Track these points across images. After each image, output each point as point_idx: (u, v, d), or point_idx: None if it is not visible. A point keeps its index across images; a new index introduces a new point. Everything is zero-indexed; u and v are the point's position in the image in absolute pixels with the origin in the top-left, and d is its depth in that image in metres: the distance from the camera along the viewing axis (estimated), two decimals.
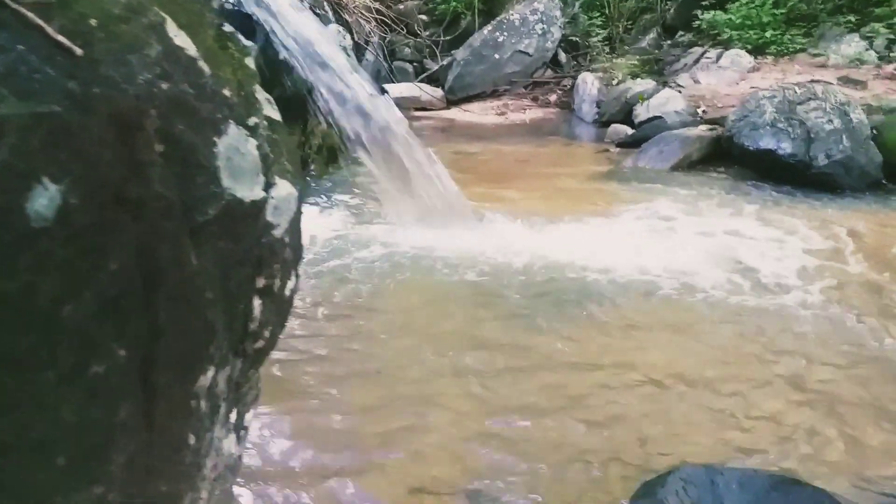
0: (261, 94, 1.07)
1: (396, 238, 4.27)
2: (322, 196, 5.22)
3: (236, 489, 2.02)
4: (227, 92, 0.92)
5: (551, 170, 6.11)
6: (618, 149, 6.93)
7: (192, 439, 0.87)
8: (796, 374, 2.81)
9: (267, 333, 1.05)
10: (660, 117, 7.02)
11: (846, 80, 7.23)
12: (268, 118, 1.04)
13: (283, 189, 0.99)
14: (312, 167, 5.90)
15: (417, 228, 4.36)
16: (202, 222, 0.83)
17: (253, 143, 0.95)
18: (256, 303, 0.99)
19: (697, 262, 3.94)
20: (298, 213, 1.09)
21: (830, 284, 3.70)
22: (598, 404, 2.54)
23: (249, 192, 0.92)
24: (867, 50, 8.18)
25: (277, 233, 0.98)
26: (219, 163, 0.87)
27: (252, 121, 0.98)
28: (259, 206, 0.94)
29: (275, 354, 2.95)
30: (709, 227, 4.55)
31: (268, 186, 0.96)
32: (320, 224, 4.58)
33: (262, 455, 2.22)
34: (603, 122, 8.05)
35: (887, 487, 2.16)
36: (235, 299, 0.93)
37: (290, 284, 1.08)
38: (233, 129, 0.91)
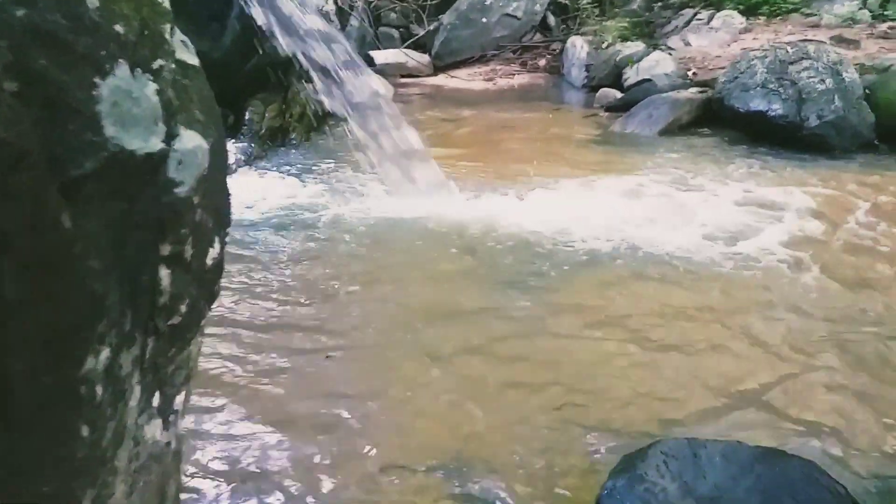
0: (174, 36, 0.94)
1: (373, 207, 4.14)
2: (299, 164, 5.07)
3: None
4: (119, 28, 0.79)
5: (538, 135, 5.96)
6: (606, 113, 6.76)
7: (85, 430, 0.76)
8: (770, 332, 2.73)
9: (183, 308, 0.93)
10: (649, 80, 6.84)
11: (839, 40, 7.05)
12: (179, 62, 0.90)
13: (190, 141, 0.86)
14: (293, 135, 5.74)
15: (394, 197, 4.23)
16: (77, 176, 0.70)
17: (153, 87, 0.81)
18: (164, 273, 0.86)
19: (677, 228, 3.82)
20: (216, 170, 0.96)
21: (816, 251, 3.59)
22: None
23: (143, 143, 0.79)
24: (860, 9, 7.98)
25: (182, 191, 0.85)
26: (100, 108, 0.74)
27: (156, 63, 0.85)
28: (157, 159, 0.81)
29: (227, 329, 2.92)
30: (694, 192, 4.42)
31: (170, 138, 0.83)
32: (293, 191, 4.45)
33: (217, 438, 2.12)
34: (592, 87, 7.86)
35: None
36: (136, 269, 0.80)
37: (212, 253, 0.96)
38: (123, 71, 0.78)
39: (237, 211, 3.57)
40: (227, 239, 1.02)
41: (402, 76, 8.73)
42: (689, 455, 1.77)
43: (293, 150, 5.43)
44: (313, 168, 4.95)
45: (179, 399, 1.06)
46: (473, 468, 1.98)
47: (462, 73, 9.08)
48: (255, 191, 4.38)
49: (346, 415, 2.25)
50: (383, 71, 8.28)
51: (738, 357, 2.62)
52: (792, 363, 2.58)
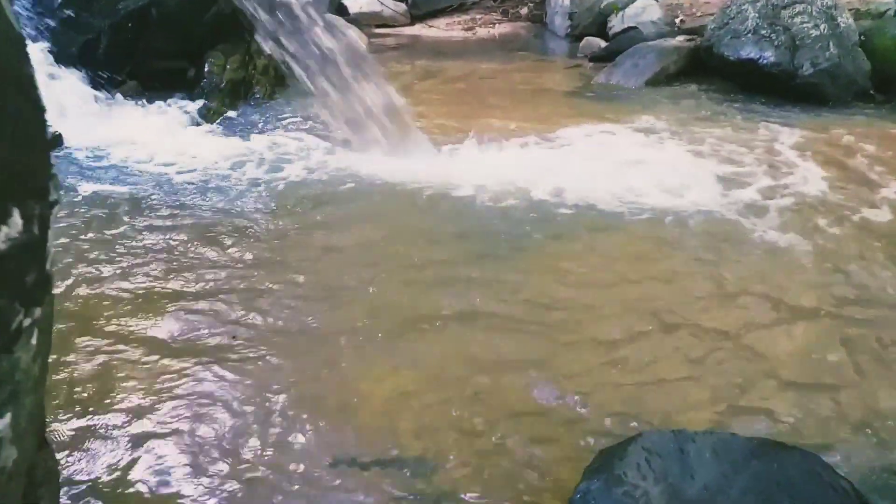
0: None
1: (343, 165, 3.85)
2: (259, 120, 4.74)
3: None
4: None
5: (518, 88, 5.64)
6: (591, 63, 6.43)
7: None
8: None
9: None
10: (635, 28, 6.51)
11: None
12: None
13: None
14: (257, 89, 5.38)
15: (365, 155, 3.93)
16: None
17: None
18: None
19: (657, 185, 3.57)
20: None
21: (799, 211, 3.36)
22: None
23: None
24: None
25: None
26: None
27: None
28: None
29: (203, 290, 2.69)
30: (670, 147, 4.14)
31: None
32: (247, 150, 4.14)
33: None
34: (576, 36, 7.50)
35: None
36: None
37: (5, 231, 0.70)
38: None
39: (177, 172, 3.27)
40: (49, 217, 0.76)
41: (377, 26, 8.32)
42: (675, 451, 1.54)
43: (256, 106, 5.08)
44: (274, 125, 4.63)
45: (3, 422, 0.81)
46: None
47: (440, 22, 8.68)
48: (204, 150, 4.08)
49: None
50: (357, 20, 7.85)
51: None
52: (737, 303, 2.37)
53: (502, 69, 6.24)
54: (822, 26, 5.16)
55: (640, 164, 3.83)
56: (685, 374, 2.15)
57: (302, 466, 1.79)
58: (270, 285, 2.69)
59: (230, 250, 2.97)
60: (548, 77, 5.98)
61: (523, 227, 3.19)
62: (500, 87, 5.65)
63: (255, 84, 5.37)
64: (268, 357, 2.25)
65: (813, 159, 3.99)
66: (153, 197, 3.52)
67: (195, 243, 3.02)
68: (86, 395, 2.07)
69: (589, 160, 3.90)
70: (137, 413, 1.99)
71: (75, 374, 2.16)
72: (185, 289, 2.65)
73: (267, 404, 2.03)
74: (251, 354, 2.27)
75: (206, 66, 5.24)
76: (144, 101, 5.02)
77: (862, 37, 5.30)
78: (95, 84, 5.07)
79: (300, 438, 1.88)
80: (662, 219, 3.25)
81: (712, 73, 5.63)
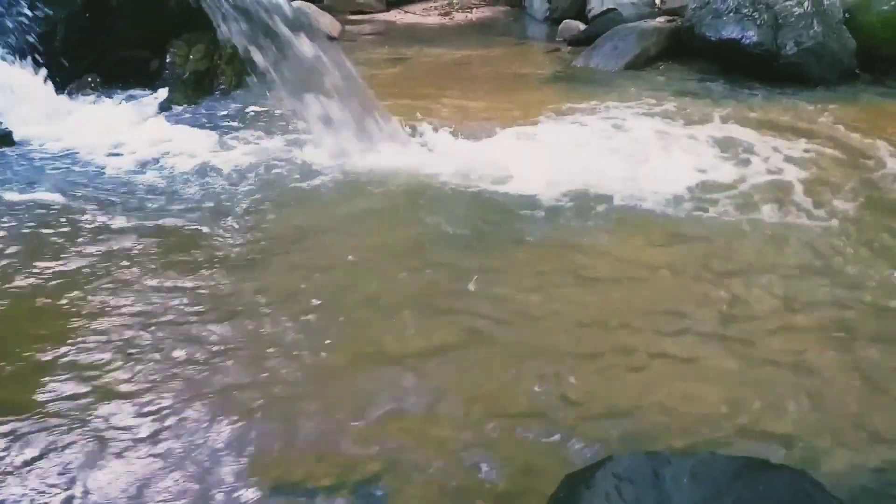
0: None
1: (308, 159, 3.66)
2: (222, 112, 4.53)
3: None
4: None
5: (494, 74, 5.45)
6: (570, 47, 6.25)
7: None
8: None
9: None
10: (614, 9, 6.31)
11: None
12: None
13: None
14: (223, 80, 5.16)
15: (332, 147, 3.74)
16: None
17: None
18: None
19: (619, 175, 3.40)
20: None
21: (787, 200, 3.21)
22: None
23: None
24: None
25: None
26: None
27: None
28: None
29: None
30: (657, 134, 3.96)
31: None
32: (220, 143, 3.94)
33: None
34: (555, 20, 7.30)
35: None
36: None
37: None
38: None
39: (130, 170, 3.06)
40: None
41: (352, 12, 8.08)
42: (650, 475, 1.39)
43: (221, 98, 4.86)
44: (238, 118, 4.42)
45: None
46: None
47: (416, 7, 8.46)
48: (161, 146, 3.87)
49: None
50: (331, 7, 7.64)
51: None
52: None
53: (478, 55, 6.05)
54: (805, 4, 5.01)
55: (611, 152, 3.66)
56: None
57: None
58: (234, 289, 2.51)
59: (178, 259, 2.77)
60: (525, 62, 5.80)
61: (492, 221, 3.02)
62: (474, 74, 5.47)
63: (221, 75, 5.16)
64: (226, 363, 2.08)
65: (792, 145, 3.83)
66: (104, 198, 3.31)
67: (136, 251, 2.82)
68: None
69: (559, 148, 3.72)
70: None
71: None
72: (114, 308, 2.44)
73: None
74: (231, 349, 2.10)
75: (168, 56, 5.03)
76: (103, 94, 4.81)
77: (846, 14, 5.14)
78: (52, 78, 4.85)
79: None
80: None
81: (694, 54, 5.48)
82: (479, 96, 4.74)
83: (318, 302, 2.41)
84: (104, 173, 3.60)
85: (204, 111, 4.59)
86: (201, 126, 4.28)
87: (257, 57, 3.99)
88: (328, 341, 2.20)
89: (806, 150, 3.73)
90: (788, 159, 3.61)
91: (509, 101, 4.62)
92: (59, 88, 4.80)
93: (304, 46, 3.92)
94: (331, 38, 6.63)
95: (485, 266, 2.64)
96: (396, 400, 1.93)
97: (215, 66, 5.13)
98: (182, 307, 2.40)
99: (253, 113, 4.48)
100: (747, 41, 5.04)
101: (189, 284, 2.54)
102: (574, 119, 4.22)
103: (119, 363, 2.10)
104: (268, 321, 2.31)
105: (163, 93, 4.72)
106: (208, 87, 5.00)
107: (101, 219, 3.08)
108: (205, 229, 2.99)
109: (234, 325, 2.30)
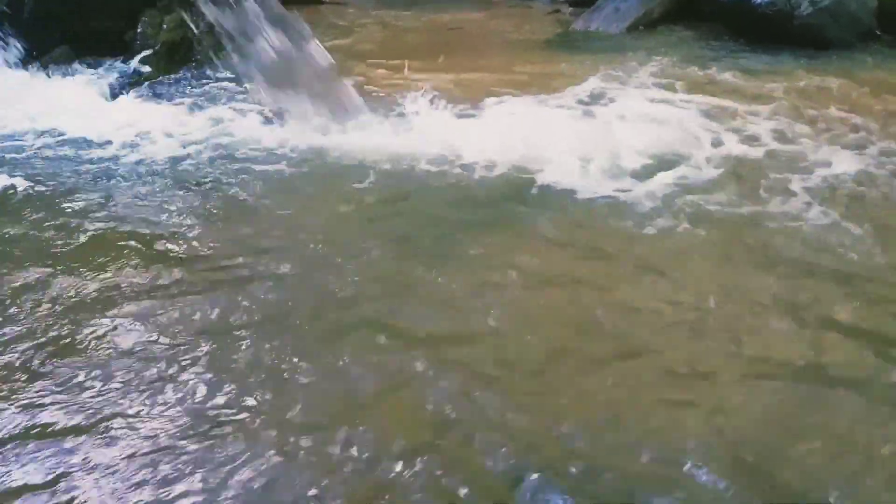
0: None
1: (277, 138, 3.41)
2: (195, 86, 4.27)
3: None
4: None
5: (483, 40, 5.13)
6: (571, 8, 5.90)
7: None
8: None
9: None
10: None
11: None
12: None
13: None
14: (198, 51, 4.88)
15: (302, 127, 3.48)
16: None
17: None
18: None
19: (625, 157, 3.11)
20: None
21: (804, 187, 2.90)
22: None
23: None
24: None
25: None
26: None
27: None
28: None
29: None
30: (657, 108, 3.62)
31: None
32: (186, 121, 3.70)
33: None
34: None
35: None
36: None
37: None
38: None
39: (88, 149, 2.77)
40: None
41: None
42: None
43: (195, 70, 4.59)
44: (210, 93, 4.15)
45: None
46: None
47: None
48: (125, 123, 3.62)
49: None
50: None
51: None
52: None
53: (472, 18, 5.73)
54: None
55: (598, 129, 3.37)
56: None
57: None
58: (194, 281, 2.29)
59: (127, 250, 2.55)
60: (520, 26, 5.45)
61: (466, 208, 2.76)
62: (466, 40, 5.15)
63: (197, 45, 4.88)
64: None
65: (802, 116, 3.51)
66: (60, 180, 3.08)
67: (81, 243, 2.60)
68: None
69: (544, 124, 3.44)
70: None
71: None
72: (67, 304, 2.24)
73: None
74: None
75: (140, 26, 4.75)
76: (73, 68, 4.57)
77: None
78: (19, 52, 4.62)
79: None
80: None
81: (702, 16, 5.12)
82: (462, 66, 4.41)
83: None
84: (59, 153, 3.38)
85: (173, 85, 4.32)
86: (166, 101, 4.03)
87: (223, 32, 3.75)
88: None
89: (813, 127, 3.40)
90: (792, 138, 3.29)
91: (497, 68, 4.31)
92: (28, 63, 4.58)
93: (263, 21, 3.65)
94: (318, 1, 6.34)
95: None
96: None
97: (190, 37, 4.85)
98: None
99: (224, 88, 4.20)
100: (759, 0, 4.68)
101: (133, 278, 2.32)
102: (556, 94, 3.86)
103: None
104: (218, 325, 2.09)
105: (129, 65, 4.45)
106: (182, 59, 4.73)
107: (50, 200, 2.87)
108: (161, 212, 2.77)
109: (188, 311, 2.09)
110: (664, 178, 2.88)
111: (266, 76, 3.74)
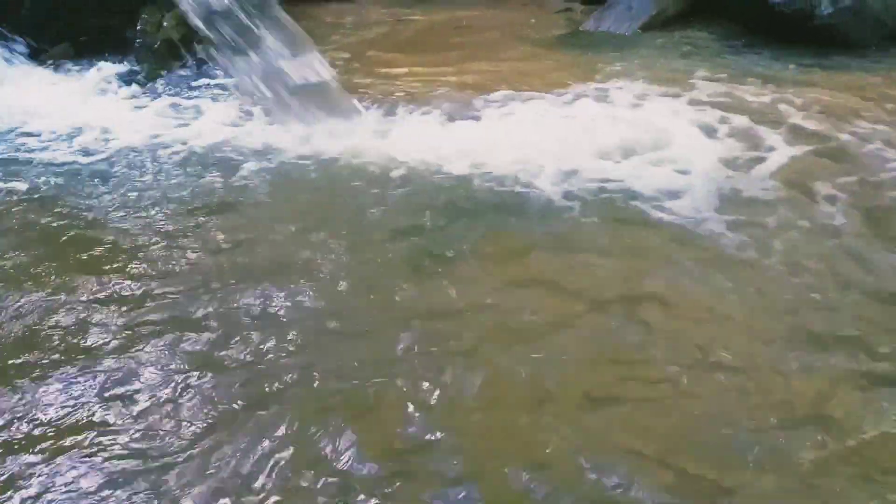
0: None
1: (268, 141, 3.32)
2: (193, 86, 4.18)
3: None
4: None
5: (493, 39, 4.95)
6: (583, 6, 5.70)
7: None
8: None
9: None
10: None
11: None
12: None
13: None
14: (199, 49, 4.78)
15: (298, 130, 3.38)
16: None
17: None
18: None
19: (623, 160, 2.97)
20: None
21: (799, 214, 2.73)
22: None
23: None
24: None
25: None
26: None
27: None
28: None
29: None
30: (666, 114, 3.46)
31: None
32: (181, 122, 3.62)
33: None
34: None
35: None
36: None
37: None
38: None
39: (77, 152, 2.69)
40: None
41: None
42: None
43: (194, 70, 4.50)
44: (206, 93, 4.07)
45: None
46: None
47: None
48: (117, 124, 3.56)
49: None
50: None
51: None
52: None
53: (482, 16, 5.55)
54: None
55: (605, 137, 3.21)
56: None
57: None
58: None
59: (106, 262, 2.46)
60: (529, 25, 5.27)
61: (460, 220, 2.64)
62: (473, 38, 4.99)
63: (198, 43, 4.78)
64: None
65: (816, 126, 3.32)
66: (46, 186, 3.01)
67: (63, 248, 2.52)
68: None
69: (542, 126, 3.30)
70: None
71: None
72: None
73: None
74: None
75: (140, 23, 4.67)
76: (71, 66, 4.52)
77: None
78: (20, 48, 4.58)
79: None
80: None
81: (718, 14, 4.92)
82: (470, 66, 4.28)
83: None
84: (45, 154, 3.31)
85: (170, 84, 4.24)
86: (162, 99, 3.97)
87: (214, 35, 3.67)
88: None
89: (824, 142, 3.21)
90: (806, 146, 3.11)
91: (496, 71, 4.15)
92: (31, 59, 4.54)
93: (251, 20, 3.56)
94: None
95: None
96: None
97: (191, 34, 4.76)
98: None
99: (222, 89, 4.11)
100: None
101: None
102: (558, 96, 3.69)
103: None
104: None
105: (125, 64, 4.38)
106: (181, 57, 4.64)
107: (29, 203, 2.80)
108: (144, 213, 2.70)
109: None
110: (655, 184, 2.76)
111: (262, 77, 3.65)
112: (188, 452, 1.63)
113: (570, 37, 4.92)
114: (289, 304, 2.15)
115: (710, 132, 3.22)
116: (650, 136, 3.12)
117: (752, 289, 2.17)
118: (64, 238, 2.57)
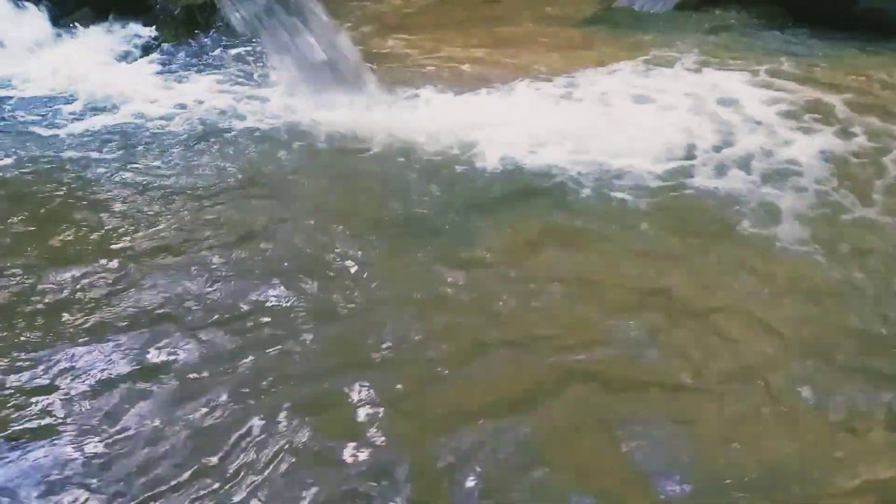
0: None
1: (286, 116, 3.23)
2: (211, 55, 4.10)
3: None
4: None
5: (523, 16, 4.81)
6: None
7: None
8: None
9: None
10: None
11: None
12: None
13: None
14: (222, 16, 4.68)
15: (315, 104, 3.29)
16: None
17: None
18: None
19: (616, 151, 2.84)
20: None
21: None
22: None
23: None
24: None
25: None
26: None
27: None
28: None
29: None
30: (671, 100, 3.31)
31: None
32: (195, 92, 3.54)
33: None
34: None
35: None
36: None
37: None
38: None
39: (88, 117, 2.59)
40: None
41: None
42: None
43: (214, 38, 4.41)
44: (222, 63, 3.99)
45: None
46: None
47: None
48: (130, 92, 3.49)
49: None
50: None
51: None
52: None
53: None
54: None
55: (622, 120, 3.09)
56: None
57: None
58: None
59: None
60: (561, 1, 5.11)
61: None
62: (501, 15, 4.84)
63: (220, 10, 4.68)
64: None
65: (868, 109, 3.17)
66: (47, 153, 2.97)
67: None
68: None
69: (572, 114, 3.17)
70: None
71: None
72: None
73: None
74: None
75: None
76: (92, 30, 4.44)
77: None
78: (43, 11, 4.52)
79: None
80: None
81: None
82: (492, 44, 4.15)
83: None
84: (56, 120, 3.27)
85: (189, 53, 4.17)
86: (177, 67, 3.89)
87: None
88: None
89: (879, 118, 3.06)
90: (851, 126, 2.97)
91: (528, 50, 4.03)
92: (55, 22, 4.48)
93: None
94: None
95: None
96: None
97: (213, 2, 4.66)
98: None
99: (241, 57, 4.02)
100: None
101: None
102: (585, 77, 3.56)
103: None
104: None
105: (145, 32, 4.31)
106: (202, 25, 4.54)
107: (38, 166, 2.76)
108: (153, 182, 2.67)
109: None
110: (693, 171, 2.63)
111: (281, 50, 3.56)
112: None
113: (602, 14, 4.75)
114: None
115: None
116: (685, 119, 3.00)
117: None
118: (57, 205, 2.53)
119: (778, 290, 2.04)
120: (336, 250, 2.24)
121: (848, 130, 3.01)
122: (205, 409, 1.65)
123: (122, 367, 1.77)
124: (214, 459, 1.52)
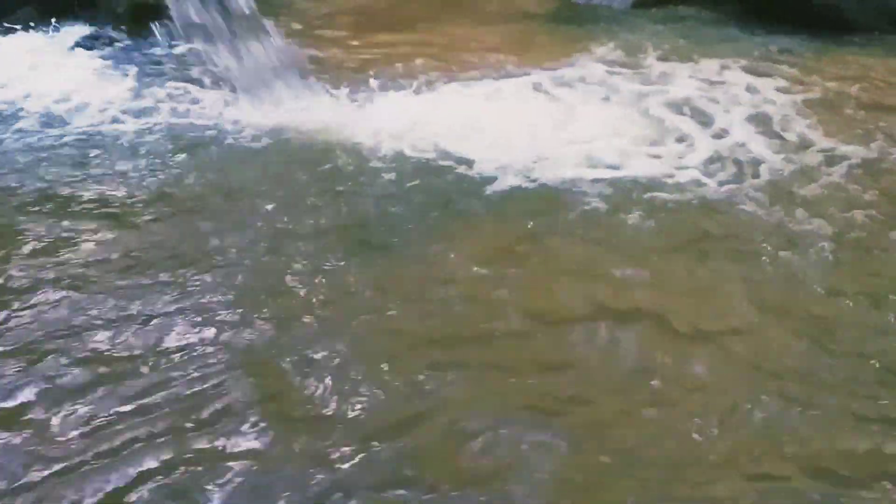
0: None
1: (231, 111, 3.13)
2: (157, 56, 3.95)
3: None
4: None
5: (480, 10, 4.71)
6: None
7: None
8: None
9: None
10: None
11: None
12: None
13: None
14: (169, 14, 4.52)
15: (258, 104, 3.19)
16: None
17: None
18: None
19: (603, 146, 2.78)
20: None
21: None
22: None
23: None
24: None
25: None
26: None
27: None
28: None
29: None
30: (651, 98, 3.26)
31: None
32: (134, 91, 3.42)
33: None
34: None
35: None
36: None
37: None
38: None
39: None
40: None
41: None
42: None
43: (160, 38, 4.23)
44: (162, 63, 3.84)
45: None
46: None
47: None
48: (73, 84, 3.38)
49: None
50: None
51: None
52: None
53: None
54: None
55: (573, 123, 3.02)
56: None
57: None
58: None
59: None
60: None
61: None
62: (458, 10, 4.73)
63: (167, 9, 4.53)
64: None
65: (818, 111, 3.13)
66: None
67: None
68: None
69: (512, 108, 3.11)
70: None
71: None
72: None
73: None
74: None
75: None
76: (32, 29, 4.28)
77: None
78: None
79: None
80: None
81: None
82: (445, 41, 4.06)
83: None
84: None
85: (131, 50, 4.01)
86: (120, 65, 3.75)
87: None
88: None
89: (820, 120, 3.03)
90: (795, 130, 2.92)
91: (479, 47, 3.94)
92: None
93: None
94: None
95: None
96: None
97: (156, 2, 4.50)
98: None
99: (183, 58, 3.87)
100: None
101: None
102: (538, 74, 3.48)
103: None
104: None
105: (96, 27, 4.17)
106: (148, 23, 4.37)
107: None
108: (87, 189, 2.56)
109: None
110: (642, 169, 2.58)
111: (223, 51, 3.46)
112: None
113: (562, 11, 4.65)
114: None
115: None
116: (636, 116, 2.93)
117: None
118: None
119: None
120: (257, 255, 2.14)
121: (797, 130, 2.97)
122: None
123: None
124: None
